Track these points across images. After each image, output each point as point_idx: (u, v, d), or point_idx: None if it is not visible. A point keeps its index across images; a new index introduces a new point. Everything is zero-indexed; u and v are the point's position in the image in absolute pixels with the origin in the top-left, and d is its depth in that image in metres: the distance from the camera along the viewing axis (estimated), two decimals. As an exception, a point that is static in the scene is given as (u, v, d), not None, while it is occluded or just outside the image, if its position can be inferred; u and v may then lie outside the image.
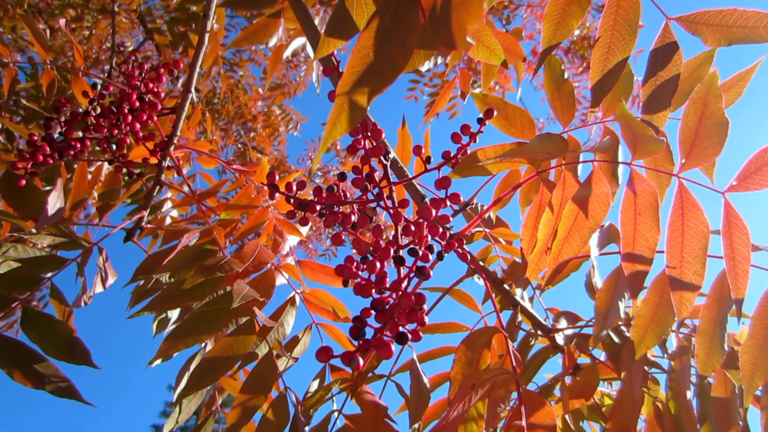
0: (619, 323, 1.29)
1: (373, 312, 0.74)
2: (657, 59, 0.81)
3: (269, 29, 1.27)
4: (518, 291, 1.21)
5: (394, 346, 0.74)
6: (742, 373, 0.85)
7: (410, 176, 1.05)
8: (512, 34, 1.09)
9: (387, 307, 0.75)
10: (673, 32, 0.81)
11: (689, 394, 1.02)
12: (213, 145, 4.16)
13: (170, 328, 1.24)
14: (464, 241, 1.01)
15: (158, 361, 1.09)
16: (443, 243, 0.95)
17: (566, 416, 1.22)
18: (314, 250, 4.78)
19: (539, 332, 1.21)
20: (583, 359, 1.28)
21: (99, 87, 1.24)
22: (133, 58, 1.32)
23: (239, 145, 4.61)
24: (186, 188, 1.55)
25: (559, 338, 1.20)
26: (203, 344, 1.25)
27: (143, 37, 3.48)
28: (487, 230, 1.20)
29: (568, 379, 1.26)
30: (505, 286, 1.17)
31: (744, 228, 0.80)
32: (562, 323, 1.25)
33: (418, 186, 1.08)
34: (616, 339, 1.23)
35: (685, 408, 0.99)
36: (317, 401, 1.02)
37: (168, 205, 1.77)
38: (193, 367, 1.19)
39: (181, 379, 1.19)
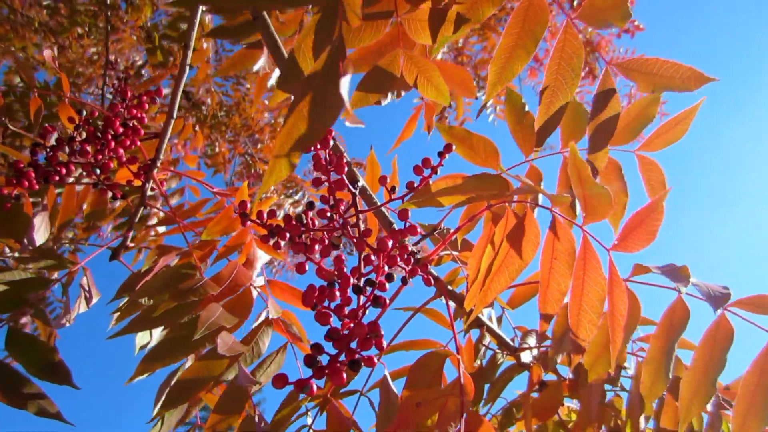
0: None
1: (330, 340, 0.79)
2: (599, 103, 0.86)
3: (253, 57, 1.33)
4: (485, 311, 1.26)
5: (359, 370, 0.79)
6: (680, 404, 0.89)
7: (378, 203, 1.10)
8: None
9: (345, 333, 0.80)
10: (611, 77, 0.86)
11: (642, 421, 1.06)
12: (220, 156, 4.21)
13: (150, 346, 1.29)
14: (428, 266, 1.06)
15: (137, 379, 1.14)
16: (407, 269, 1.00)
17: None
18: (279, 270, 4.85)
19: (505, 351, 1.26)
20: (551, 376, 1.33)
21: (85, 113, 1.29)
22: (123, 75, 1.38)
23: (246, 157, 4.66)
24: (177, 208, 1.59)
25: (525, 356, 1.25)
26: (183, 361, 1.29)
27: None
28: (455, 253, 1.25)
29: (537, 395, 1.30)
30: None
31: (621, 286, 0.85)
32: (530, 341, 1.30)
33: (387, 213, 1.13)
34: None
35: (637, 429, 1.03)
36: (286, 417, 1.07)
37: (154, 220, 1.81)
38: (174, 382, 1.24)
39: (161, 394, 1.24)
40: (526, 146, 1.08)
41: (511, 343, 1.24)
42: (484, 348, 1.27)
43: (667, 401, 1.08)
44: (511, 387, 1.44)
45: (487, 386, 1.31)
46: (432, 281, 1.07)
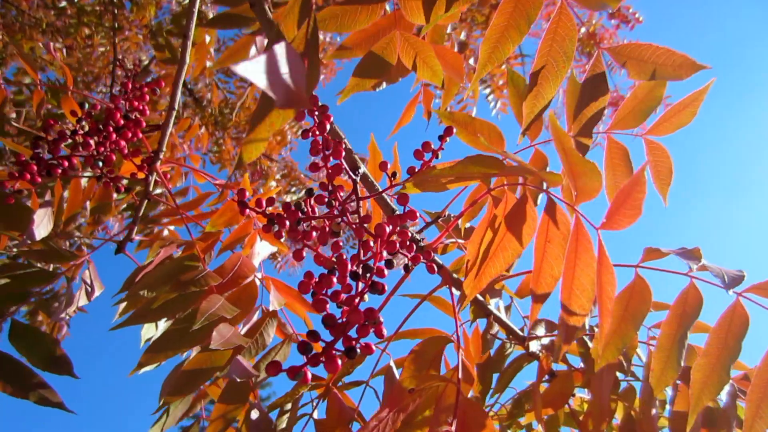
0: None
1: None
2: (587, 87, 0.83)
3: (248, 48, 1.31)
4: (493, 301, 1.23)
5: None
6: (691, 391, 0.86)
7: (380, 190, 1.08)
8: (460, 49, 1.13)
9: (342, 321, 0.78)
10: (603, 62, 0.83)
11: (654, 410, 1.03)
12: (225, 154, 4.23)
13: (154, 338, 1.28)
14: (431, 254, 1.04)
15: (143, 371, 1.13)
16: (409, 256, 0.98)
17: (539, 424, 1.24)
18: (282, 265, 4.84)
19: (514, 341, 1.23)
20: (561, 366, 1.30)
21: (87, 106, 1.29)
22: (131, 72, 1.37)
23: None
24: (183, 204, 1.59)
25: (534, 346, 1.22)
26: (189, 352, 1.29)
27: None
28: (460, 241, 1.22)
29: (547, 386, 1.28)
30: (479, 295, 1.19)
31: (610, 267, 0.81)
32: (539, 331, 1.27)
33: (389, 200, 1.11)
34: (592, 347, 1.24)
35: (649, 421, 1.00)
36: (283, 405, 1.06)
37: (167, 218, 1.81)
38: (177, 373, 1.23)
39: (167, 385, 1.23)
40: (532, 129, 1.06)
41: (520, 333, 1.22)
42: (491, 337, 1.24)
43: (681, 389, 1.05)
44: (523, 377, 1.42)
45: (496, 376, 1.28)
46: (435, 269, 1.05)
